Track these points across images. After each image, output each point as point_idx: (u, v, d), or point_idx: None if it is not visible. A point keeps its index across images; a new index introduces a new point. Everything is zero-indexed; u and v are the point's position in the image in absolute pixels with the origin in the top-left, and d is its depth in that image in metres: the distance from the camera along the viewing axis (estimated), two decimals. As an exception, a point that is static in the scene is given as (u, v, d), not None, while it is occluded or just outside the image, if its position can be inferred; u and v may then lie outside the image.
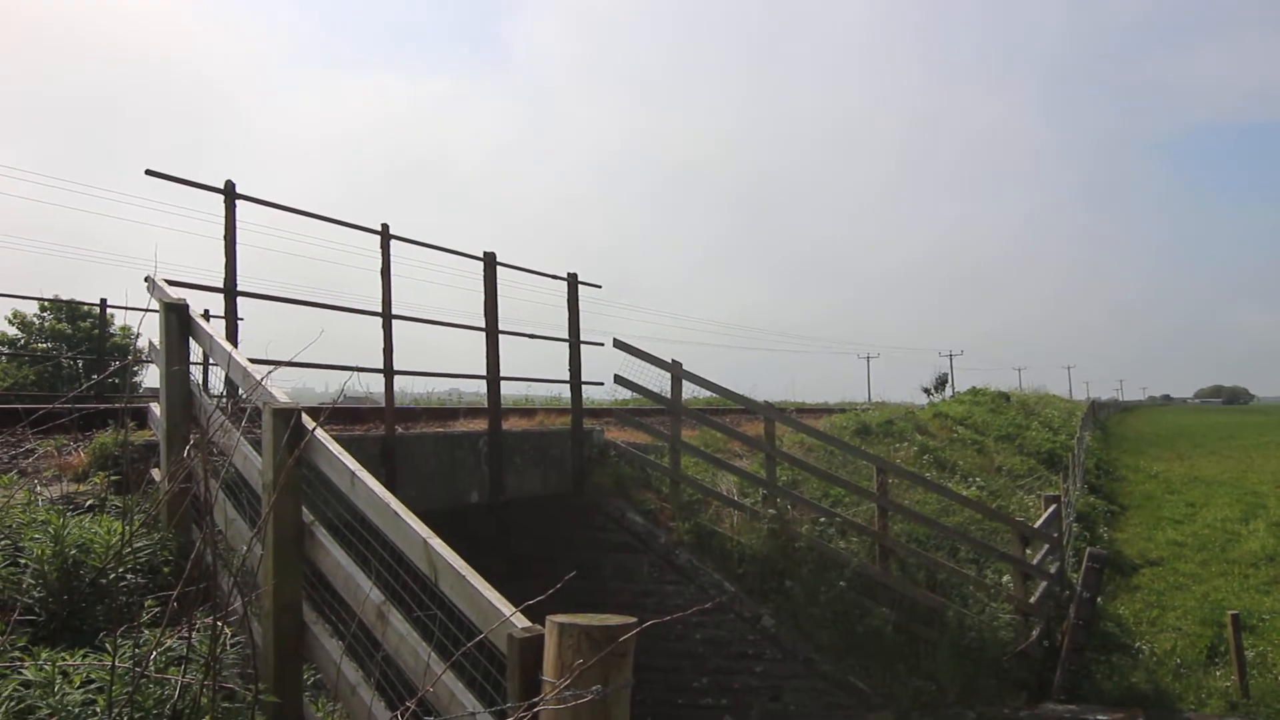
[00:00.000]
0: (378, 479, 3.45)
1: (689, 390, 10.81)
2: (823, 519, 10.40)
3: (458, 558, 2.91)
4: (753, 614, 9.13)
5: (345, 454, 3.56)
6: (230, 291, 6.43)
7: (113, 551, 3.70)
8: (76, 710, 2.72)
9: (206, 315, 9.31)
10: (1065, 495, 13.78)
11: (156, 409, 5.35)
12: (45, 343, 26.65)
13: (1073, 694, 8.92)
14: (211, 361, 5.14)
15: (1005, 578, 10.29)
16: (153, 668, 2.81)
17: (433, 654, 2.96)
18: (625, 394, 11.12)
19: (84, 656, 2.97)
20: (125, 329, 21.64)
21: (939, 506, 12.09)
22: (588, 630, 2.27)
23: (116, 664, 2.73)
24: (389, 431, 7.52)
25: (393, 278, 7.60)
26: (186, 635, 2.95)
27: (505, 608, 2.63)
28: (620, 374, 10.34)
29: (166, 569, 4.12)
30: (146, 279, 5.31)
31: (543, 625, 2.41)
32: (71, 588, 3.65)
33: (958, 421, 20.35)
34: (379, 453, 7.34)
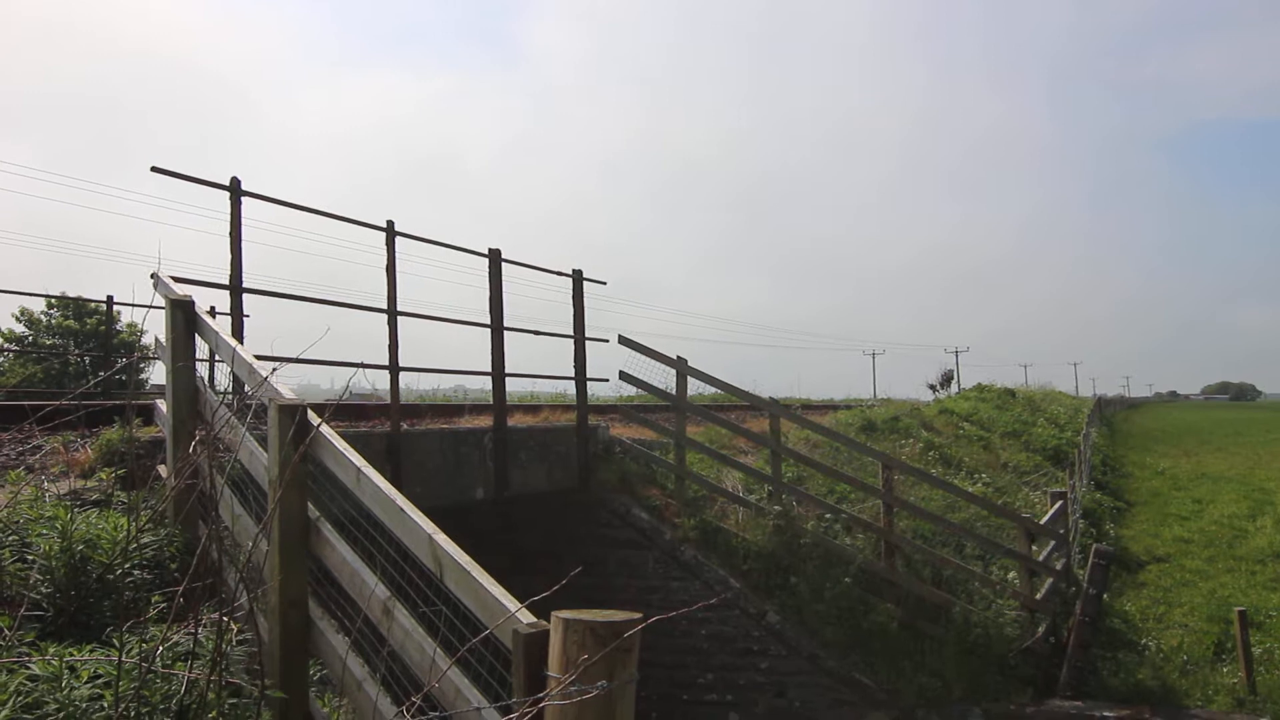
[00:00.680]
0: (383, 475, 3.45)
1: (694, 387, 10.80)
2: (828, 515, 10.39)
3: (463, 553, 2.92)
4: (758, 610, 9.13)
5: (350, 450, 3.56)
6: (236, 288, 6.45)
7: (119, 547, 3.71)
8: (84, 705, 2.73)
9: (212, 312, 9.32)
10: (1071, 492, 13.74)
11: (163, 405, 5.37)
12: (52, 339, 26.73)
13: (1079, 690, 8.91)
14: (218, 358, 5.16)
15: (1011, 574, 10.27)
16: (159, 663, 2.82)
17: (438, 649, 2.97)
18: (630, 390, 11.11)
19: (91, 652, 2.98)
20: (132, 326, 21.72)
21: (945, 503, 12.07)
22: (592, 626, 2.28)
23: (123, 659, 2.74)
24: (394, 428, 7.53)
25: (398, 275, 7.61)
26: (193, 631, 2.96)
27: (510, 603, 2.63)
28: (625, 370, 10.34)
29: (173, 565, 4.14)
30: (152, 275, 5.32)
31: (548, 621, 2.41)
32: (79, 583, 3.67)
33: (963, 418, 20.32)
34: (384, 449, 7.35)
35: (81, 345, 25.27)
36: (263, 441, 3.98)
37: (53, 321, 26.98)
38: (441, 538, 3.00)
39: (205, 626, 3.09)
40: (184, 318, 4.93)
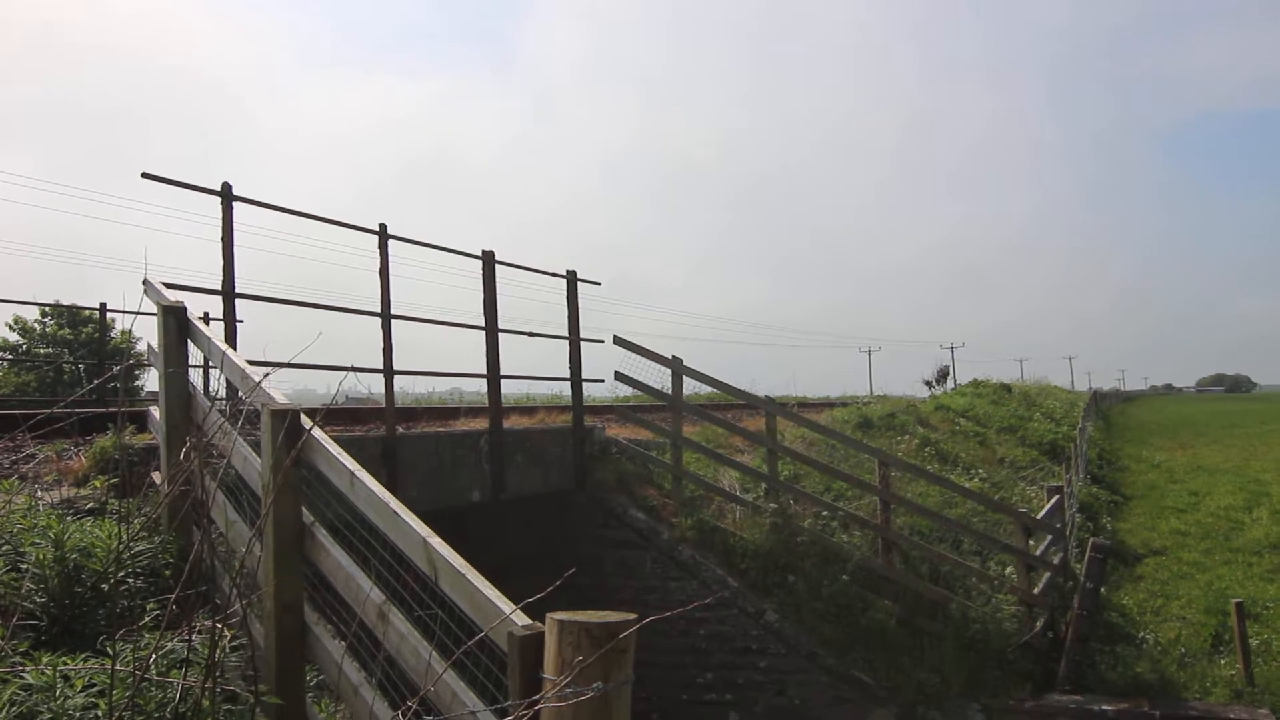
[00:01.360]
0: (379, 479, 3.45)
1: (690, 386, 10.80)
2: (825, 513, 10.40)
3: (458, 556, 2.91)
4: (756, 609, 9.13)
5: (344, 454, 3.55)
6: (228, 294, 6.43)
7: (113, 555, 3.70)
8: (78, 714, 2.72)
9: (206, 318, 9.31)
10: (1068, 486, 13.77)
11: (156, 412, 5.35)
12: (46, 348, 26.65)
13: (1077, 684, 8.92)
14: (212, 364, 5.14)
15: (1009, 569, 10.28)
16: (154, 671, 2.80)
17: (434, 653, 2.96)
18: (626, 391, 11.11)
19: (85, 660, 2.97)
20: (126, 333, 21.65)
21: (941, 499, 12.08)
22: (588, 627, 2.27)
23: (117, 667, 2.73)
24: (390, 431, 7.52)
25: (394, 278, 7.60)
26: (187, 638, 2.95)
27: (505, 606, 2.62)
28: (621, 371, 10.34)
29: (168, 572, 4.13)
30: (144, 282, 5.31)
31: (544, 623, 2.41)
32: (73, 592, 3.65)
33: (959, 414, 20.34)
34: (380, 453, 7.34)
35: (76, 353, 25.23)
36: (256, 447, 3.97)
37: (47, 330, 26.91)
38: (436, 541, 2.99)
39: (200, 633, 3.08)
40: (176, 324, 4.92)
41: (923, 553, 10.17)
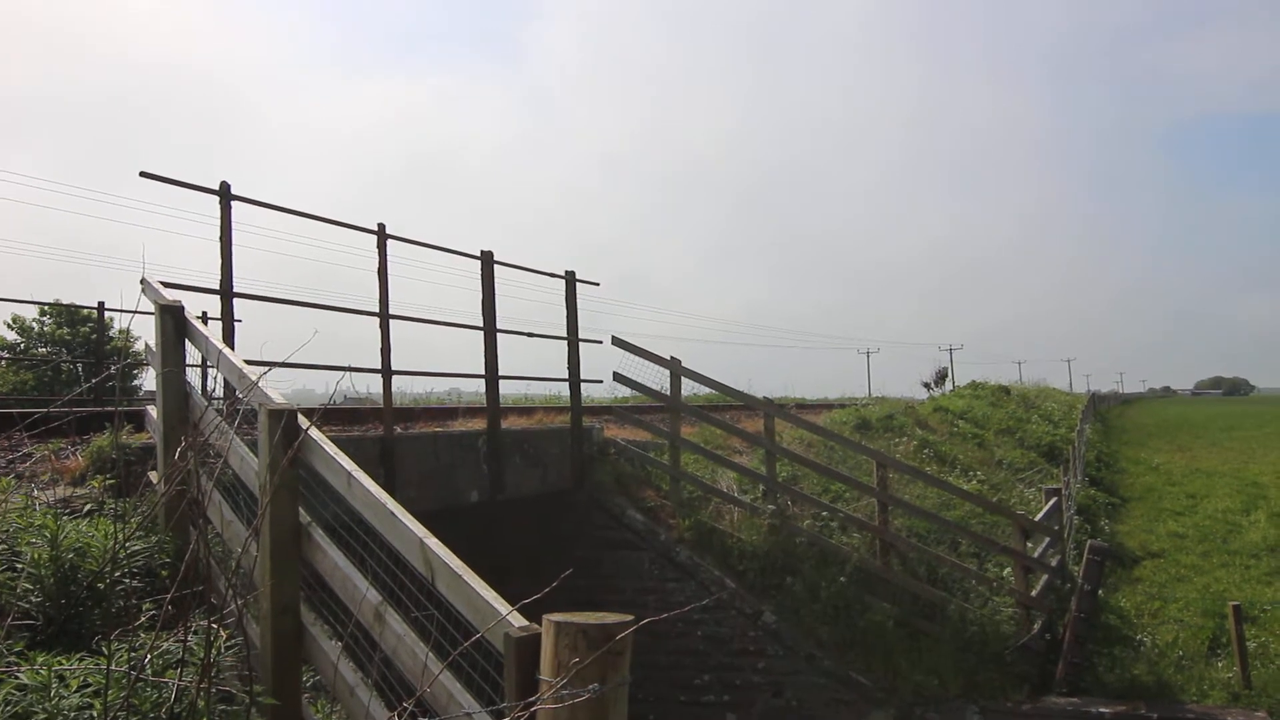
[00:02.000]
0: (377, 479, 3.44)
1: (688, 387, 10.80)
2: (823, 514, 10.39)
3: (454, 557, 2.90)
4: (754, 610, 9.13)
5: (341, 454, 3.55)
6: (226, 293, 6.42)
7: (109, 555, 3.69)
8: (73, 714, 2.71)
9: (204, 318, 9.29)
10: (1066, 488, 13.77)
11: (154, 411, 5.34)
12: (45, 347, 26.63)
13: (1075, 687, 8.92)
14: (209, 364, 5.14)
15: (1006, 571, 10.28)
16: (149, 671, 2.80)
17: (430, 654, 2.96)
18: (624, 391, 11.11)
19: (80, 660, 2.96)
20: (124, 333, 21.62)
21: (939, 501, 12.07)
22: (584, 629, 2.26)
23: (113, 667, 2.72)
24: (387, 432, 7.51)
25: (393, 278, 7.60)
26: (183, 638, 2.94)
27: (502, 607, 2.62)
28: (619, 371, 10.33)
29: (164, 572, 4.11)
30: (142, 281, 5.30)
31: (541, 624, 2.40)
32: (68, 592, 3.64)
33: (958, 415, 20.34)
34: (378, 453, 7.33)
35: (74, 352, 25.20)
36: (253, 447, 3.97)
37: (45, 329, 26.89)
38: (433, 541, 2.99)
39: (196, 633, 3.07)
40: (173, 323, 4.91)
41: (920, 554, 10.17)
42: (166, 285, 5.33)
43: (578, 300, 10.36)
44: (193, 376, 5.84)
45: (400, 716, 2.70)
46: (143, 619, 3.28)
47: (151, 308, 5.07)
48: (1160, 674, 9.30)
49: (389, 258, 7.53)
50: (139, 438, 5.96)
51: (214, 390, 5.68)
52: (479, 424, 9.32)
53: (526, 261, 9.58)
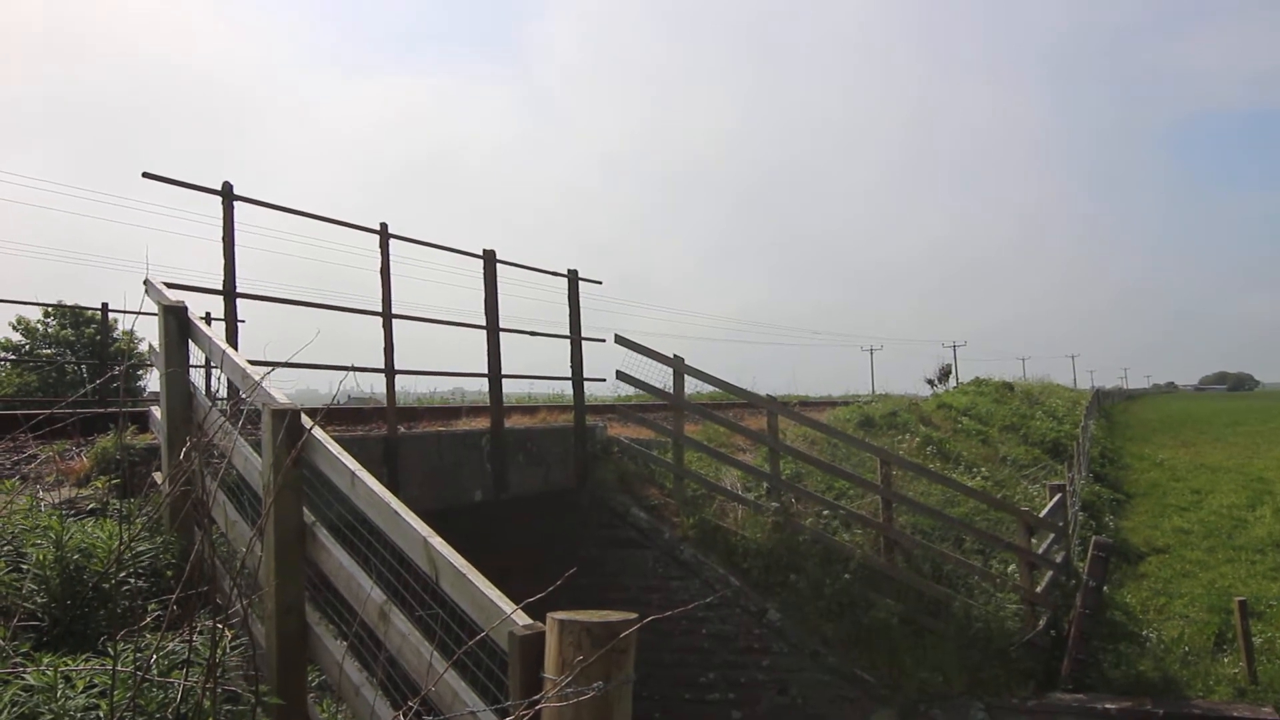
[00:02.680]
0: (380, 479, 3.44)
1: (691, 385, 10.79)
2: (827, 512, 10.38)
3: (458, 556, 2.91)
4: (758, 608, 9.13)
5: (345, 454, 3.55)
6: (229, 293, 6.43)
7: (114, 556, 3.70)
8: (79, 715, 2.71)
9: (207, 318, 9.30)
10: (1070, 484, 13.75)
11: (158, 412, 5.35)
12: (50, 349, 26.68)
13: (1080, 683, 8.91)
14: (213, 364, 5.14)
15: (1011, 568, 10.27)
16: (155, 671, 2.80)
17: (435, 653, 2.96)
18: (627, 390, 11.10)
19: (86, 661, 2.97)
20: (128, 334, 21.66)
21: (943, 497, 12.06)
22: (588, 627, 2.27)
23: (118, 668, 2.72)
24: (391, 431, 7.52)
25: (396, 277, 7.60)
26: (189, 638, 2.94)
27: (506, 605, 2.62)
28: (622, 370, 10.33)
29: (169, 572, 4.12)
30: (145, 281, 5.31)
31: (544, 622, 2.40)
32: (74, 592, 3.65)
33: (961, 412, 20.32)
34: (381, 453, 7.33)
35: (78, 354, 25.25)
36: (257, 447, 3.97)
37: (49, 330, 26.94)
38: (437, 541, 2.99)
39: (201, 633, 3.07)
40: (177, 323, 4.92)
41: (925, 551, 10.16)
42: (170, 286, 5.34)
43: (580, 299, 10.36)
44: (196, 377, 5.86)
45: (405, 715, 2.70)
46: (148, 619, 3.28)
47: (155, 308, 5.08)
48: (1166, 670, 9.28)
49: (391, 257, 7.54)
50: (143, 438, 5.97)
51: (218, 390, 5.68)
52: (482, 423, 9.33)
53: (531, 261, 9.58)
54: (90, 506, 4.86)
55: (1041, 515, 10.54)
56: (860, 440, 12.25)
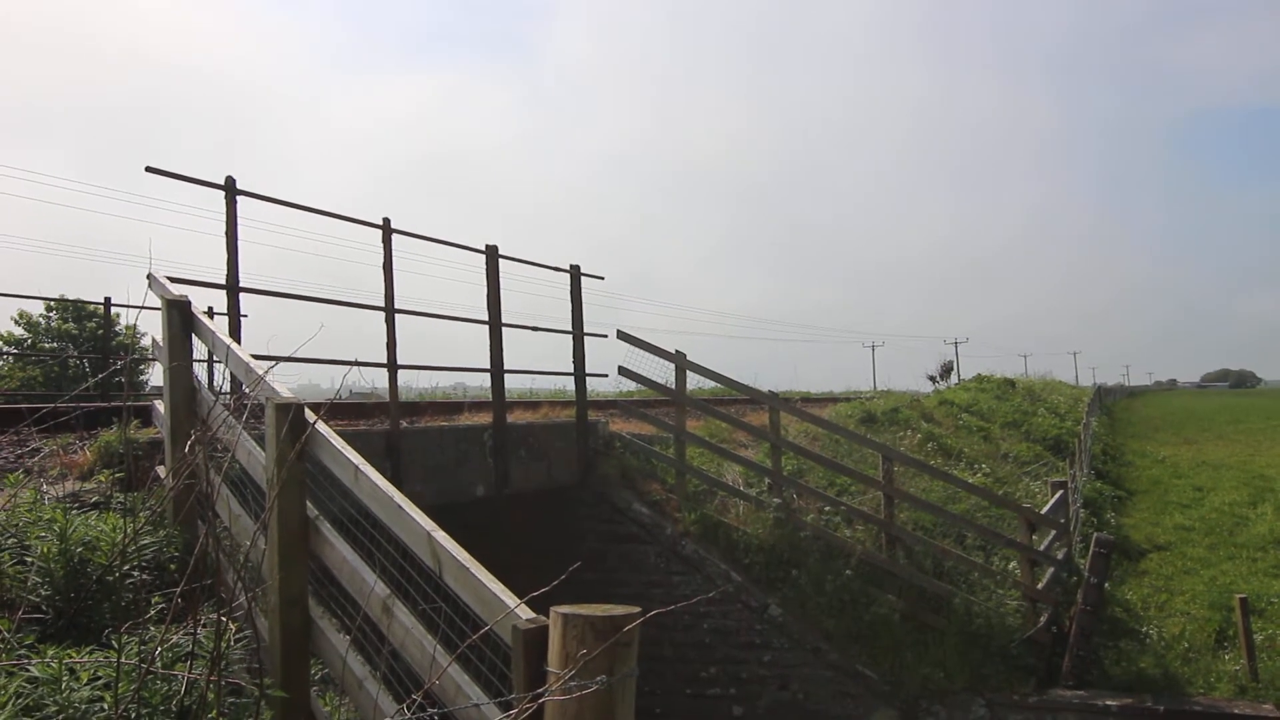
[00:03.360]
0: (383, 473, 3.45)
1: (693, 381, 10.80)
2: (828, 508, 10.39)
3: (461, 550, 2.91)
4: (760, 603, 9.14)
5: (348, 448, 3.56)
6: (233, 288, 6.44)
7: (118, 549, 3.71)
8: (83, 707, 2.72)
9: (210, 313, 9.31)
10: (1072, 481, 13.74)
11: (161, 406, 5.36)
12: (52, 343, 26.73)
13: (1081, 679, 8.91)
14: (216, 359, 5.15)
15: (1012, 564, 10.27)
16: (159, 664, 2.81)
17: (438, 647, 2.97)
18: (630, 385, 11.11)
19: (90, 653, 2.98)
20: (131, 328, 21.68)
21: (945, 494, 12.07)
22: (591, 621, 2.27)
23: (123, 660, 2.73)
24: (394, 426, 7.53)
25: (400, 273, 7.62)
26: (192, 631, 2.95)
27: (509, 599, 2.62)
28: (624, 365, 10.33)
29: (173, 566, 4.13)
30: (148, 276, 5.32)
31: (547, 617, 2.41)
32: (78, 585, 3.66)
33: (963, 409, 20.30)
34: (384, 447, 7.35)
35: (80, 348, 25.28)
36: (261, 441, 3.98)
37: (52, 324, 26.96)
38: (440, 535, 2.99)
39: (205, 627, 3.08)
40: (180, 318, 4.92)
41: (926, 548, 10.16)
42: (173, 280, 5.35)
43: (583, 294, 10.36)
44: (199, 371, 5.87)
45: (409, 709, 2.71)
46: (152, 612, 3.29)
47: (158, 303, 5.09)
48: (1167, 667, 9.29)
49: (396, 253, 7.55)
50: (146, 432, 5.98)
51: (221, 385, 5.69)
52: (484, 418, 9.34)
53: (537, 257, 9.59)
54: (94, 500, 4.86)
55: (1043, 512, 10.54)
56: (862, 436, 12.26)
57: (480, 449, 8.55)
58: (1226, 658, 9.44)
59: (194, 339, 5.00)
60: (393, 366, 7.57)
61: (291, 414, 3.57)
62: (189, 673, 2.82)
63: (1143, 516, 15.83)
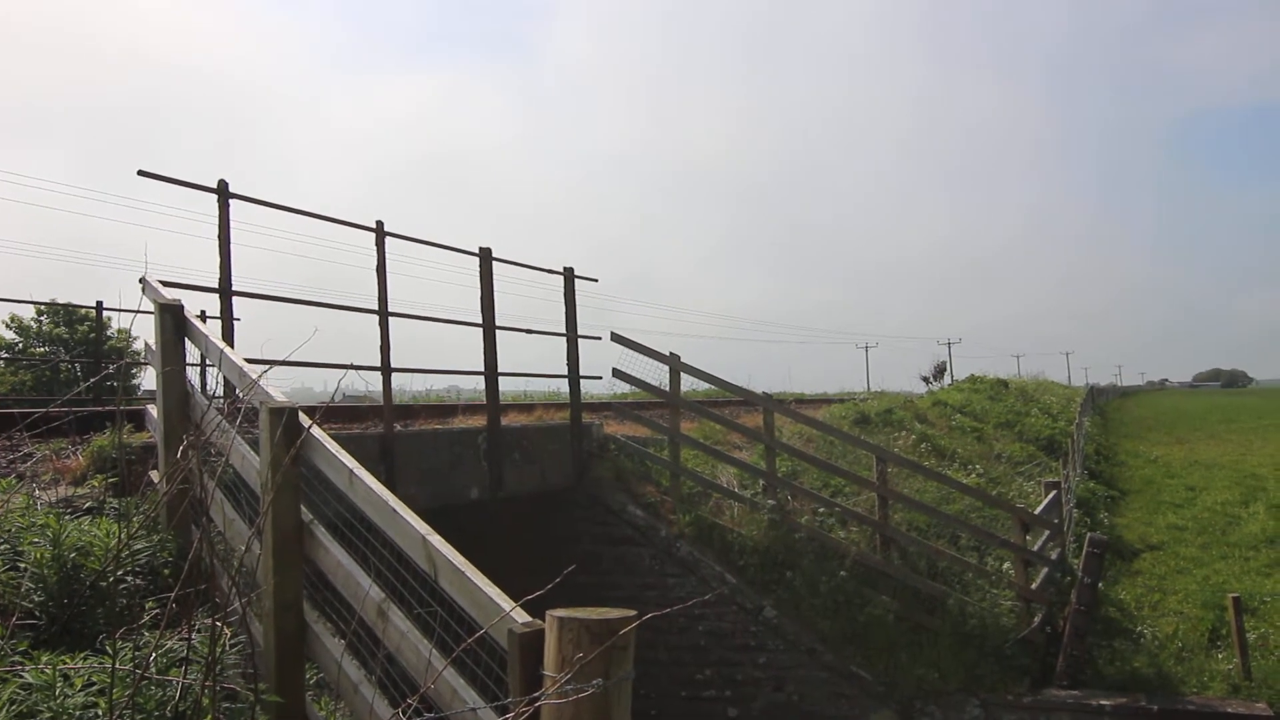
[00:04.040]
0: (377, 477, 3.44)
1: (688, 383, 10.80)
2: (823, 509, 10.41)
3: (457, 554, 2.91)
4: (754, 605, 9.14)
5: (343, 451, 3.55)
6: (225, 291, 6.42)
7: (111, 554, 3.70)
8: (78, 713, 2.71)
9: (203, 316, 9.29)
10: (1065, 481, 13.79)
11: (154, 410, 5.35)
12: (43, 347, 26.61)
13: (1075, 679, 8.94)
14: (209, 362, 5.14)
15: (1006, 564, 10.30)
16: (153, 669, 2.80)
17: (434, 651, 2.96)
18: (624, 388, 11.10)
19: (85, 659, 2.97)
20: (123, 332, 21.59)
21: (939, 495, 12.09)
22: (587, 624, 2.27)
23: (117, 666, 2.72)
24: (388, 429, 7.52)
25: (394, 276, 7.60)
26: (187, 636, 2.95)
27: (505, 603, 2.62)
28: (618, 367, 10.33)
29: (166, 571, 4.12)
30: (141, 280, 5.30)
31: (543, 620, 2.41)
32: (71, 591, 3.65)
33: (957, 409, 20.36)
34: (378, 450, 7.33)
35: (72, 352, 25.18)
36: (254, 445, 3.97)
37: (43, 328, 26.84)
38: (435, 538, 2.99)
39: (199, 632, 3.07)
40: (173, 322, 4.91)
41: (920, 548, 10.18)
42: (166, 284, 5.33)
43: (577, 297, 10.36)
44: (193, 375, 5.85)
45: (404, 713, 2.71)
46: (146, 618, 3.28)
47: (151, 307, 5.07)
48: (1160, 666, 9.32)
49: (391, 256, 7.54)
50: (139, 437, 5.97)
51: (214, 389, 5.68)
52: (479, 421, 9.33)
53: (532, 259, 9.59)
54: (87, 505, 4.85)
55: (1036, 512, 10.57)
56: (856, 438, 12.28)
57: (474, 452, 8.54)
58: (1220, 657, 9.47)
59: (187, 343, 4.99)
60: (387, 370, 7.56)
61: (286, 418, 3.57)
62: (184, 678, 2.82)
63: (1136, 516, 15.88)
